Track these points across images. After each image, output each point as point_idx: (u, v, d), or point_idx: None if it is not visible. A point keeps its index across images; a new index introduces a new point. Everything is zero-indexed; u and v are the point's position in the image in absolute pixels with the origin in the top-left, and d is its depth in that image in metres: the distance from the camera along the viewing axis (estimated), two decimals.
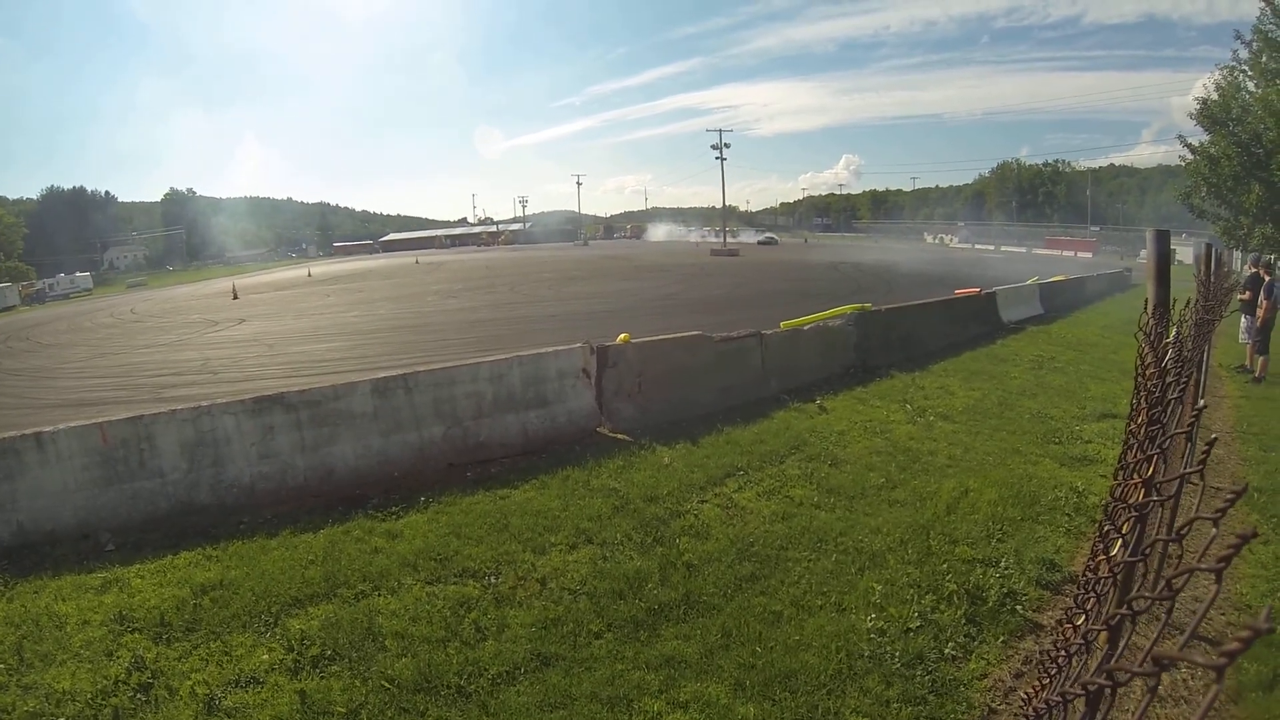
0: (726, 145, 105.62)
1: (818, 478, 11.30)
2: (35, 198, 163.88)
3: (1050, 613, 7.84)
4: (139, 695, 7.45)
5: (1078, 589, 4.63)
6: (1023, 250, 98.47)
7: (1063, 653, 3.20)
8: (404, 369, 12.55)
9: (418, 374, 12.19)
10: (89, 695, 7.55)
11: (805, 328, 18.51)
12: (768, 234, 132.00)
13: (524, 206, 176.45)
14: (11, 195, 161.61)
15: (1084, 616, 3.38)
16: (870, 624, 7.45)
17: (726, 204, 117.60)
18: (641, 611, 7.77)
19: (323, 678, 7.23)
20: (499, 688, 6.81)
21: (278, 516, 10.92)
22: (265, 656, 7.66)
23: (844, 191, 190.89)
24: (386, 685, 6.95)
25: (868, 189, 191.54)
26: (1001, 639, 7.34)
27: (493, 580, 8.44)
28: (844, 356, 18.24)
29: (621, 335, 14.31)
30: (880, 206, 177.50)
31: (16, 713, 7.52)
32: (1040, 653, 6.94)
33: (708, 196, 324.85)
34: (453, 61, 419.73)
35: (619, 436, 12.88)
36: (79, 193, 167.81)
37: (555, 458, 12.06)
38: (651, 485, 10.75)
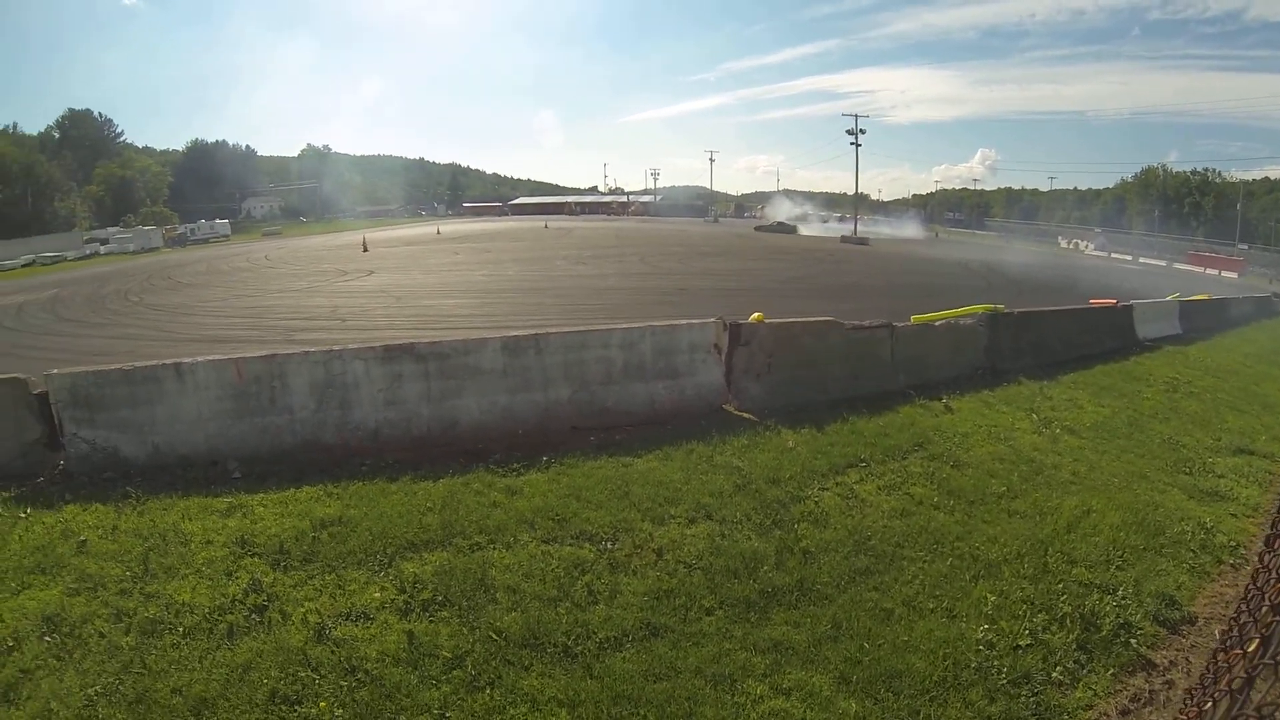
0: (862, 131, 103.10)
1: (939, 478, 11.03)
2: (181, 149, 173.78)
3: (1165, 652, 7.53)
4: (254, 615, 7.75)
5: (1240, 615, 4.36)
6: (1162, 264, 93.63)
7: (1239, 678, 2.99)
8: (534, 329, 12.63)
9: (549, 335, 12.26)
10: (207, 609, 7.90)
11: (936, 323, 18.12)
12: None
13: (655, 179, 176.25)
14: (159, 146, 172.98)
15: (1258, 642, 3.17)
16: (980, 635, 7.27)
17: (858, 191, 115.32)
18: (754, 593, 7.71)
19: (431, 621, 7.35)
20: (605, 652, 6.84)
21: (399, 462, 11.13)
22: (377, 595, 7.83)
23: (978, 187, 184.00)
24: (494, 636, 7.04)
25: (1002, 186, 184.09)
26: (1111, 671, 7.09)
27: (609, 545, 8.47)
28: (972, 357, 17.76)
29: (755, 314, 14.14)
30: (1014, 205, 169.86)
31: (138, 617, 7.96)
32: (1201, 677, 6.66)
33: (840, 182, 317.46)
34: (589, 30, 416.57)
35: (744, 415, 12.71)
36: (221, 146, 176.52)
37: (680, 430, 11.93)
38: (774, 467, 10.60)
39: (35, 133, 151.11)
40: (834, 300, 31.95)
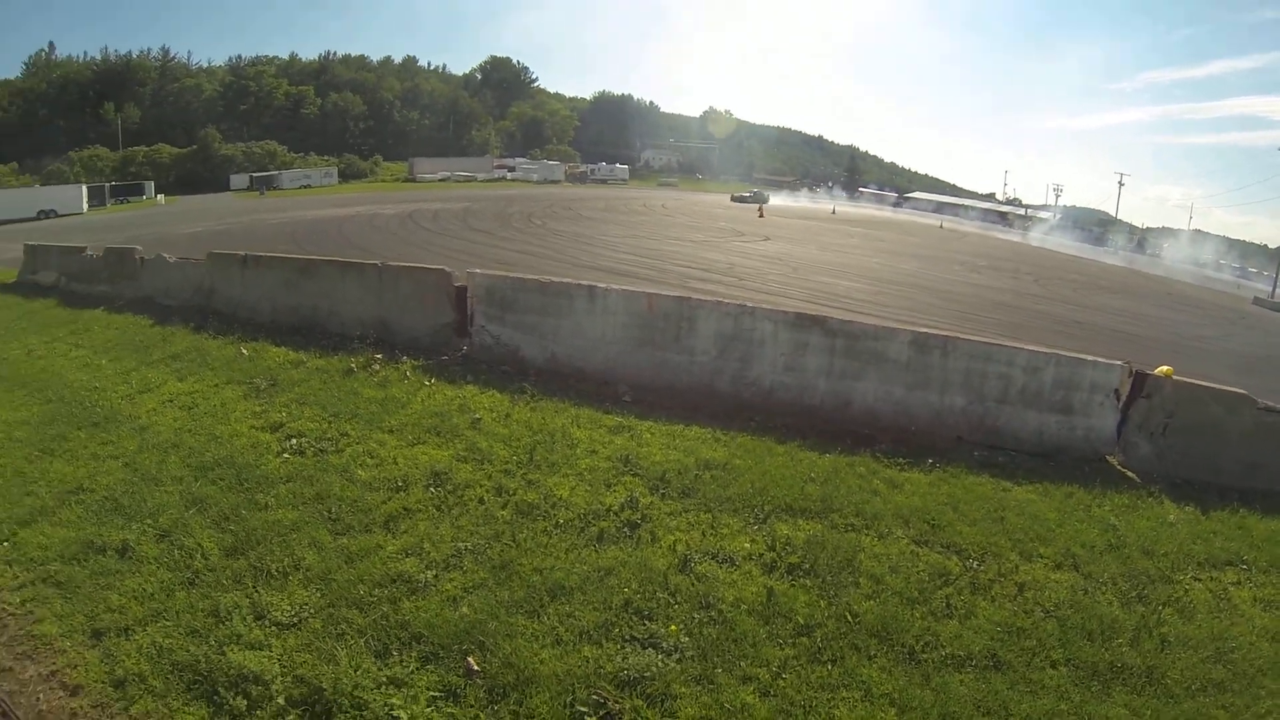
0: None
1: None
2: (588, 98, 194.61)
3: None
4: (625, 529, 8.38)
5: None
6: None
7: None
8: (933, 330, 12.53)
9: (958, 340, 12.13)
10: (582, 510, 8.68)
11: None
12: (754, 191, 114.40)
13: (1057, 195, 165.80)
14: (569, 94, 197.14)
15: None
16: None
17: None
18: (1103, 662, 7.31)
19: (792, 586, 7.60)
20: (947, 668, 6.79)
21: (787, 427, 11.46)
22: (747, 545, 8.20)
23: None
24: (848, 618, 7.17)
25: None
26: None
27: (975, 565, 8.31)
28: None
29: (1163, 367, 13.15)
30: None
31: (516, 497, 8.94)
32: None
33: (1262, 230, 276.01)
34: (1001, 21, 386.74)
35: (1128, 473, 11.88)
36: (626, 99, 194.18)
37: (1061, 470, 11.38)
38: (1150, 538, 9.88)
39: (461, 73, 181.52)
40: (1235, 372, 28.69)
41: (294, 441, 10.78)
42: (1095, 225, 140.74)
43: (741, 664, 6.58)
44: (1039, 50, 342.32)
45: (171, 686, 6.46)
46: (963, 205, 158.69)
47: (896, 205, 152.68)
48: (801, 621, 7.05)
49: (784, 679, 6.46)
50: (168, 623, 7.19)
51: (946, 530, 8.89)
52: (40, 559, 8.38)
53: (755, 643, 6.80)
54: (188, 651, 6.76)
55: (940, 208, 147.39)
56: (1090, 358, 12.24)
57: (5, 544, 8.83)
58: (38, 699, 6.45)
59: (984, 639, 7.20)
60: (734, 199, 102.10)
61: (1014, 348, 12.19)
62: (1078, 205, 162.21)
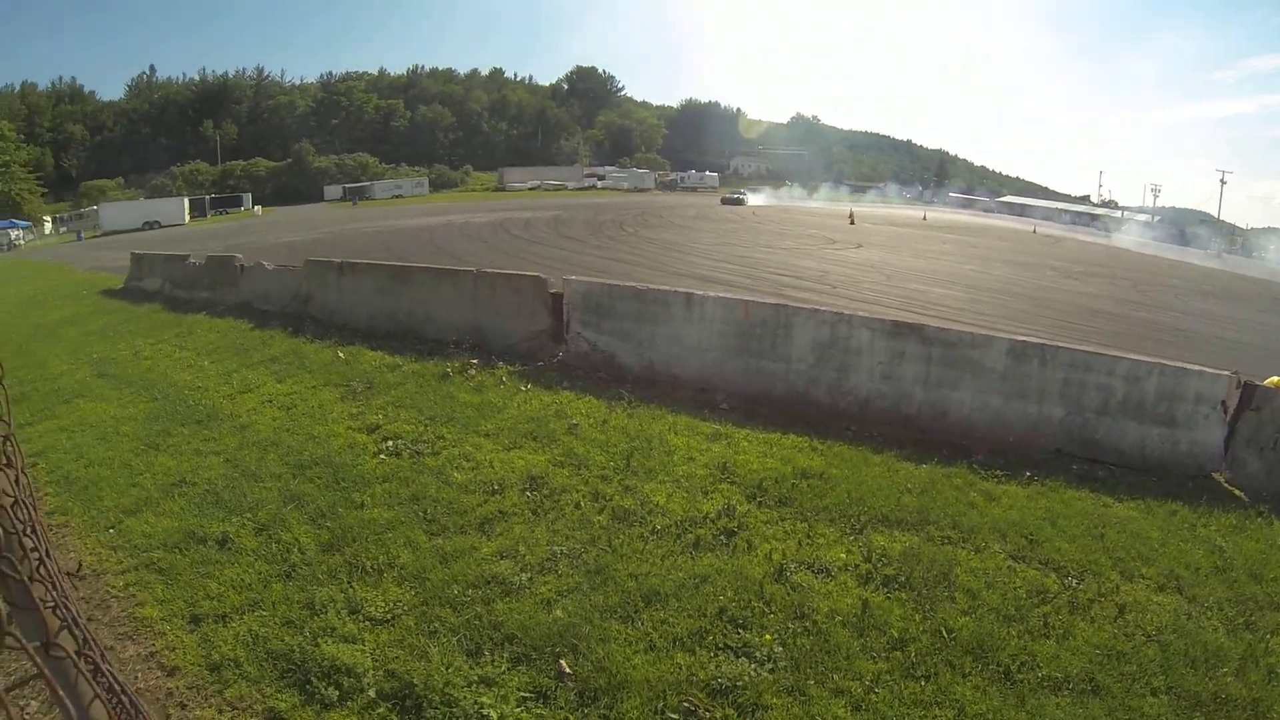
0: None
1: None
2: (675, 106, 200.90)
3: None
4: (721, 536, 8.38)
5: None
6: None
7: None
8: (1031, 338, 12.32)
9: (1057, 348, 11.86)
10: (678, 517, 8.70)
11: None
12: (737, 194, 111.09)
13: (1155, 196, 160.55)
14: (655, 102, 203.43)
15: None
16: None
17: None
18: (1206, 693, 6.96)
19: (887, 598, 7.51)
20: (1043, 690, 6.60)
21: (884, 436, 11.40)
22: (843, 555, 8.13)
23: None
24: (942, 633, 7.05)
25: None
26: None
27: (1074, 583, 8.09)
28: None
29: (1273, 378, 12.59)
30: None
31: (612, 503, 9.01)
32: None
33: None
34: (1090, 14, 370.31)
35: (1235, 491, 11.35)
36: (712, 106, 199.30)
37: (1163, 486, 10.97)
38: (1259, 561, 9.38)
39: (547, 84, 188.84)
40: None
41: (390, 443, 11.05)
42: (1196, 224, 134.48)
43: (834, 676, 6.51)
44: (1130, 41, 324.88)
45: (266, 673, 6.66)
46: (1055, 209, 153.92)
47: (986, 210, 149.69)
48: (896, 635, 6.97)
49: (876, 693, 6.38)
50: (264, 612, 7.44)
51: (1045, 546, 8.69)
52: (144, 546, 8.75)
53: (849, 655, 6.73)
54: (283, 641, 6.97)
55: (1028, 210, 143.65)
56: (1195, 367, 11.78)
57: (112, 531, 9.25)
58: (136, 677, 6.70)
59: (1082, 661, 7.00)
60: (724, 201, 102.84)
61: (1114, 357, 11.83)
62: (1177, 206, 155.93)
